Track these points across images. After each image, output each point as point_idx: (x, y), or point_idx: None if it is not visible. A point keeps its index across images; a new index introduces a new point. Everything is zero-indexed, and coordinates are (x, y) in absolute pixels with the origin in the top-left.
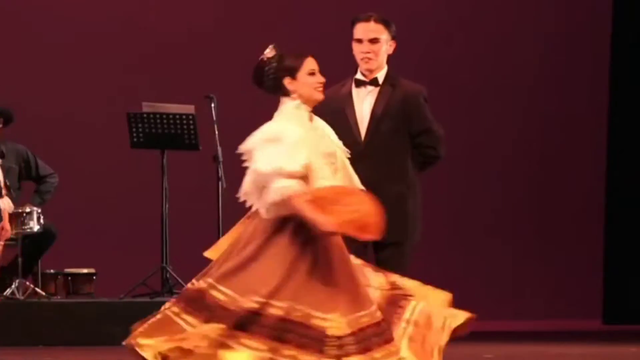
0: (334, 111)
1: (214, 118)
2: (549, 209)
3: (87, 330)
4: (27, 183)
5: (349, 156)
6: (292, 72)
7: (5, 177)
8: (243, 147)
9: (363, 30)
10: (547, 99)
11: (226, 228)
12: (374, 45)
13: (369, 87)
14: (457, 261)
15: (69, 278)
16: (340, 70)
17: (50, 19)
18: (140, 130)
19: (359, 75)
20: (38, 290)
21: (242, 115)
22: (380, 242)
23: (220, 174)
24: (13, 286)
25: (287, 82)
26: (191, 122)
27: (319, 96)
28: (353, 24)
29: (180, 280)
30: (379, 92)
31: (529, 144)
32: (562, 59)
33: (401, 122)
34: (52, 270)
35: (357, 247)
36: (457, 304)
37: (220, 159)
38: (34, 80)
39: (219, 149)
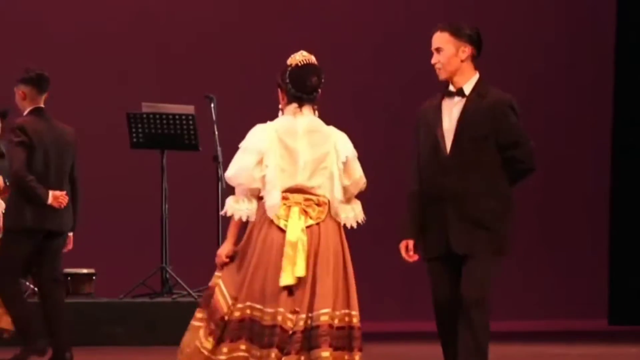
0: (425, 124)
1: (214, 118)
2: (554, 209)
3: (87, 330)
4: None
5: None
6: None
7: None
8: None
9: (433, 41)
10: (552, 97)
11: (226, 228)
12: (439, 54)
13: (456, 98)
14: None
15: (69, 278)
16: (340, 70)
17: (50, 18)
18: (140, 130)
19: (450, 87)
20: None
21: (242, 115)
22: (462, 255)
23: (220, 174)
24: None
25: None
26: (191, 122)
27: None
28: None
29: (179, 281)
30: (466, 102)
31: (536, 144)
32: (565, 60)
33: (488, 133)
34: None
35: (439, 254)
36: None
37: (220, 159)
38: None
39: (219, 149)
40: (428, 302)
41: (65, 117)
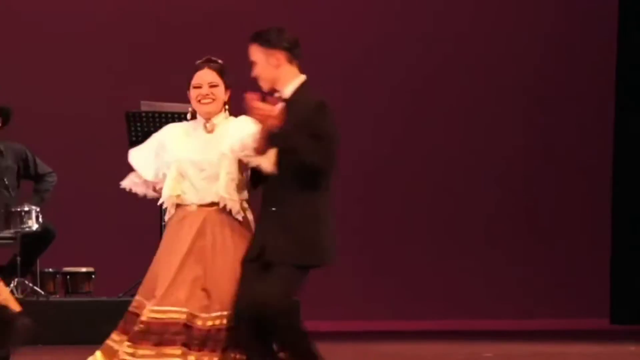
0: None
1: None
2: (557, 209)
3: (85, 329)
4: (25, 182)
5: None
6: (188, 86)
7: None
8: None
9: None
10: (551, 98)
11: None
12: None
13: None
14: (463, 261)
15: (68, 277)
16: (336, 68)
17: (49, 17)
18: (139, 129)
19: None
20: (37, 289)
21: (242, 114)
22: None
23: None
24: (12, 285)
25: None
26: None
27: (202, 108)
28: None
29: None
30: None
31: (538, 143)
32: (566, 61)
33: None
34: (50, 269)
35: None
36: (463, 303)
37: None
38: (33, 78)
39: None
40: (421, 302)
41: (64, 117)
